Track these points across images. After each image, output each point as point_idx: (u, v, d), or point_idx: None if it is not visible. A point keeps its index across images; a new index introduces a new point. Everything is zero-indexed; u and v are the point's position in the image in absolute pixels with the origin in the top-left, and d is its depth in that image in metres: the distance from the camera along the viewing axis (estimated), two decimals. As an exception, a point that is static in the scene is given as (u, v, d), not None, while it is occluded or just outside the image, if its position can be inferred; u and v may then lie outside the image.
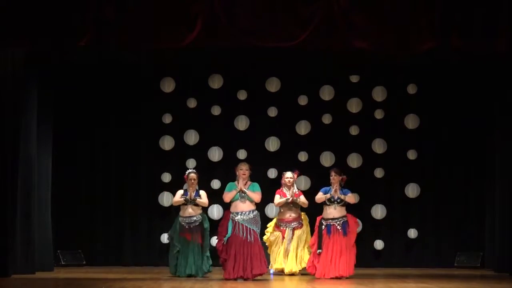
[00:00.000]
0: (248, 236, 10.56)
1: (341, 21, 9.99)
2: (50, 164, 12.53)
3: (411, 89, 14.00)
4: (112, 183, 14.04)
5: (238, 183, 10.79)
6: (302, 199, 11.82)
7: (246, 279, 10.50)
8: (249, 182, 10.86)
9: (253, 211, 10.73)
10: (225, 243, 10.59)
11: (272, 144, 14.02)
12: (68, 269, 12.92)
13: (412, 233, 13.92)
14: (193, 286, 9.83)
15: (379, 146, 14.01)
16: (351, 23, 10.03)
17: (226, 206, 13.46)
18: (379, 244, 13.80)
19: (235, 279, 10.49)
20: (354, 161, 13.94)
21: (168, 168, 13.98)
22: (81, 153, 14.00)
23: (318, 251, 11.13)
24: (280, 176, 12.36)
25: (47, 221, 12.37)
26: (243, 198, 10.70)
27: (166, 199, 13.88)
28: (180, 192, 11.54)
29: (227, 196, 10.85)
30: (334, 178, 11.29)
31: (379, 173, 13.89)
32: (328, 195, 11.21)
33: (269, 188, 13.48)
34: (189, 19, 9.98)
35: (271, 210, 13.59)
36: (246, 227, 10.59)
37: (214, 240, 13.13)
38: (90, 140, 14.05)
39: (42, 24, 9.94)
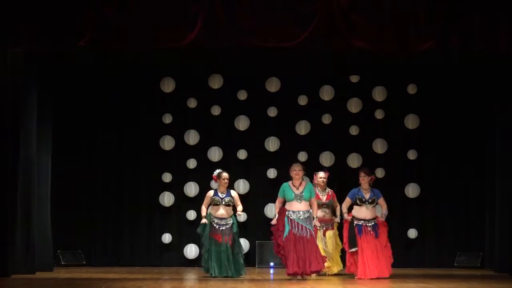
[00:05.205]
0: (305, 233, 10.46)
1: (341, 21, 9.97)
2: (50, 164, 12.51)
3: (411, 89, 14.00)
4: (112, 183, 14.04)
5: (292, 184, 10.60)
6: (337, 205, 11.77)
7: (303, 276, 10.45)
8: (303, 182, 10.66)
9: (308, 211, 10.59)
10: (284, 239, 10.43)
11: (272, 144, 14.01)
12: (68, 269, 12.92)
13: (412, 233, 13.92)
14: (193, 286, 9.82)
15: (379, 146, 14.01)
16: (351, 23, 10.02)
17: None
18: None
19: (297, 276, 10.39)
20: (354, 161, 13.94)
21: (168, 168, 13.98)
22: (81, 153, 14.00)
23: (355, 249, 11.03)
24: (280, 176, 12.32)
25: (47, 221, 12.35)
26: (300, 199, 10.55)
27: (166, 199, 13.89)
28: (211, 193, 11.27)
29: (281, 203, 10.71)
30: (364, 178, 11.21)
31: (379, 173, 13.87)
32: (347, 217, 11.13)
33: (269, 188, 13.49)
34: (189, 18, 9.96)
35: (270, 210, 13.58)
36: (302, 225, 10.48)
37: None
38: (90, 140, 14.05)
39: (42, 24, 9.92)
